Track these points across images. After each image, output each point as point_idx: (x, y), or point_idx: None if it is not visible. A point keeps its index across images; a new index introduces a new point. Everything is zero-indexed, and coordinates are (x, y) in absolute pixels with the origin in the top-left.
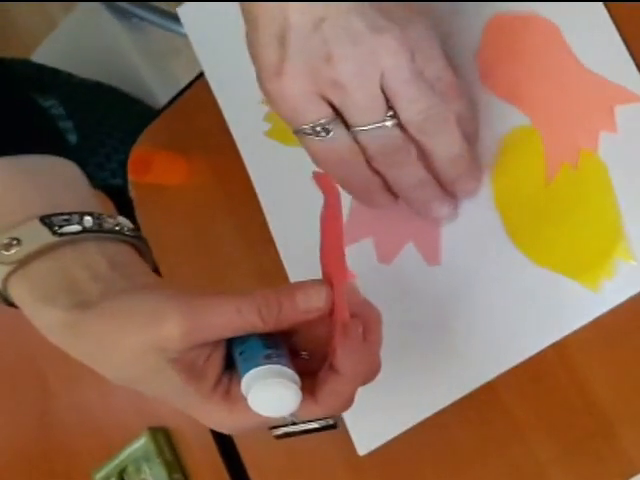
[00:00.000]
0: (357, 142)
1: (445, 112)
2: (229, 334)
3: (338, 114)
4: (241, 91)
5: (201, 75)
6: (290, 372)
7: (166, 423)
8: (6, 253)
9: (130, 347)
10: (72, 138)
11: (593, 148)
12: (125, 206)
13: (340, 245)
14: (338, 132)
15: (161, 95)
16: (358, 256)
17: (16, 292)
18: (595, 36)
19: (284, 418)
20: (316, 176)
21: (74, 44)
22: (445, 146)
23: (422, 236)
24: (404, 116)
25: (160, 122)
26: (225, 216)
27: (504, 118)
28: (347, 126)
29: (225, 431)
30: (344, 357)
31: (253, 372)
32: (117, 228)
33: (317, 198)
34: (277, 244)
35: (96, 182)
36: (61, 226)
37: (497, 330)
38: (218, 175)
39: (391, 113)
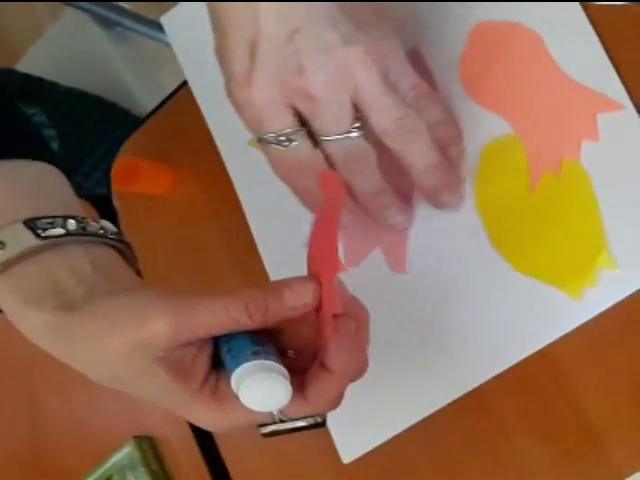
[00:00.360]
0: (321, 150)
1: (417, 121)
2: (216, 332)
3: (303, 123)
4: (224, 100)
5: (185, 83)
6: (280, 367)
7: (151, 432)
8: None
9: (116, 347)
10: (54, 146)
11: (576, 157)
12: (110, 215)
13: (334, 243)
14: (301, 142)
15: (147, 104)
16: None
17: (2, 294)
18: (577, 45)
19: (273, 415)
20: (321, 174)
21: (59, 53)
22: (418, 155)
23: (389, 243)
24: (377, 126)
25: (144, 130)
26: (210, 224)
27: (487, 127)
28: (310, 135)
29: (212, 429)
30: (336, 354)
31: (242, 367)
32: (101, 232)
33: (299, 206)
34: (260, 251)
35: (82, 191)
36: (45, 229)
37: (482, 337)
38: (202, 183)
39: (357, 125)
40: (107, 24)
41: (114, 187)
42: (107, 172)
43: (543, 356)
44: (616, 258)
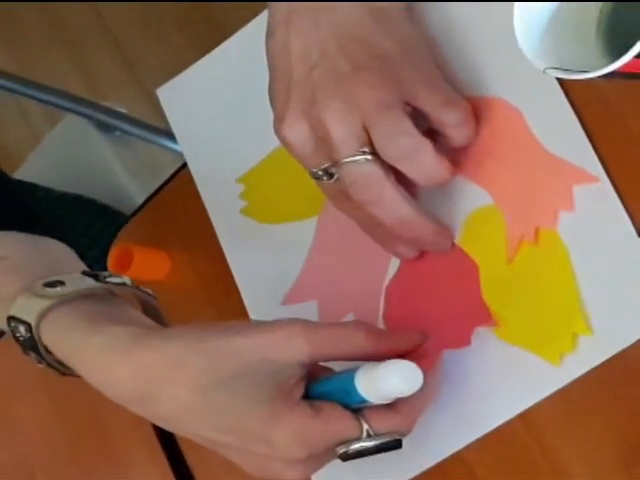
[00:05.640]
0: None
1: (418, 143)
2: (338, 353)
3: None
4: (218, 169)
5: (177, 172)
6: None
7: None
8: (49, 289)
9: (234, 349)
10: None
11: (552, 226)
12: None
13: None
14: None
15: None
16: (301, 317)
17: (61, 320)
18: (554, 119)
19: (360, 430)
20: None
21: (59, 158)
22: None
23: (362, 309)
24: (378, 150)
25: (139, 218)
26: (206, 310)
27: (468, 198)
28: None
29: (303, 442)
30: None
31: (365, 365)
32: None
33: (290, 274)
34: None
35: None
36: (105, 277)
37: (464, 401)
38: (198, 269)
39: (367, 149)
40: (106, 128)
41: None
42: None
43: (524, 420)
44: (592, 325)
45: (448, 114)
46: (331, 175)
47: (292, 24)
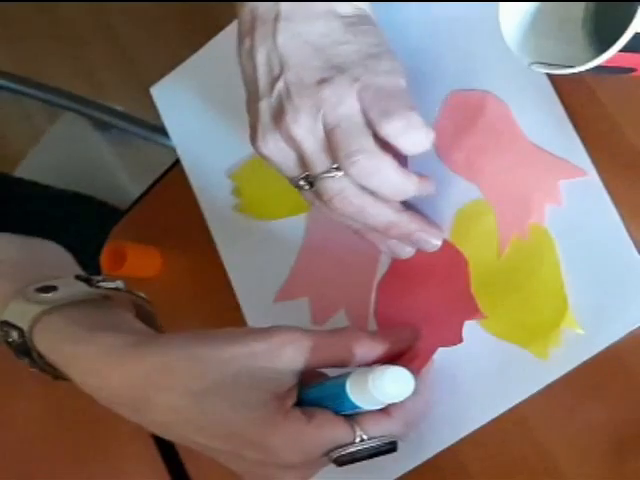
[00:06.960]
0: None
1: (382, 159)
2: (332, 360)
3: None
4: (211, 166)
5: (168, 170)
6: None
7: None
8: (42, 295)
9: (230, 356)
10: None
11: (541, 221)
12: None
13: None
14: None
15: None
16: (293, 314)
17: (54, 327)
18: (542, 113)
19: (353, 435)
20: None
21: (57, 156)
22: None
23: (353, 305)
24: (340, 164)
25: (132, 216)
26: (198, 305)
27: (459, 192)
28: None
29: (296, 449)
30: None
31: (357, 371)
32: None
33: (283, 271)
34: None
35: None
36: (98, 281)
37: (451, 398)
38: (191, 265)
39: (336, 165)
40: (103, 126)
41: (103, 271)
42: (98, 270)
43: (516, 415)
44: (580, 319)
45: (386, 125)
46: (311, 184)
47: (255, 35)
